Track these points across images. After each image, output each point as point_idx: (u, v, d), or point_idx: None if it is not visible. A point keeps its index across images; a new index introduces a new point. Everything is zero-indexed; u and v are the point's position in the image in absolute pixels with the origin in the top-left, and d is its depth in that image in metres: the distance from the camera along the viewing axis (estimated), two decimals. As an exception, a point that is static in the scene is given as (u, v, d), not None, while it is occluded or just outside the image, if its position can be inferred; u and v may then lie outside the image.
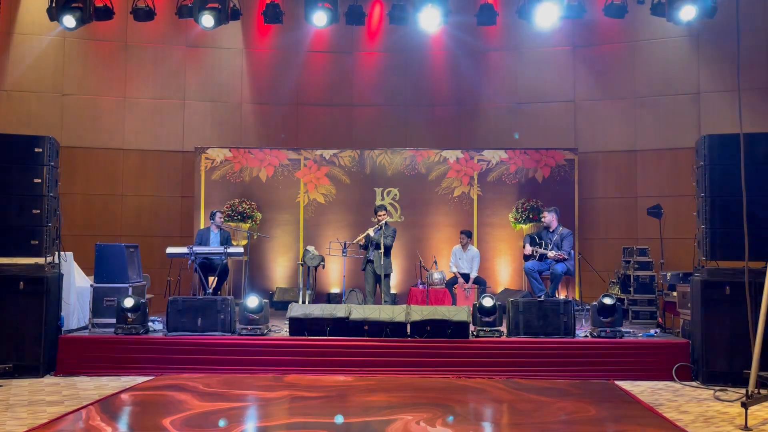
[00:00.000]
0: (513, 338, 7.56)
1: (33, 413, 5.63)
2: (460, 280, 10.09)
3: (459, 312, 7.55)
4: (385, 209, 9.51)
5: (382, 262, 9.00)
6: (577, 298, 10.46)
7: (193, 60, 12.29)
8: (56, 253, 7.52)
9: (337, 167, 11.83)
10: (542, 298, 8.07)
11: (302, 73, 12.51)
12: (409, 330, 7.55)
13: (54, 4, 9.16)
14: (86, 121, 11.86)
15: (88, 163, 11.81)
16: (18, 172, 7.28)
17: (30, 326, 7.15)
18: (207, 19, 9.45)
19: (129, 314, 7.63)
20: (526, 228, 11.25)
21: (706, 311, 6.95)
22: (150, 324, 7.90)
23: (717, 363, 6.88)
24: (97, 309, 8.12)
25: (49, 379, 7.09)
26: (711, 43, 11.05)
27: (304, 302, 9.39)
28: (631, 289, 9.25)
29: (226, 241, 9.54)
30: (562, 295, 9.12)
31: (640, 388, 6.75)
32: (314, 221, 11.78)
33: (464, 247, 10.33)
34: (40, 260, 7.28)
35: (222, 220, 9.78)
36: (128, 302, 7.64)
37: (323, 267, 10.04)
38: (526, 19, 9.97)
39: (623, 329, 7.62)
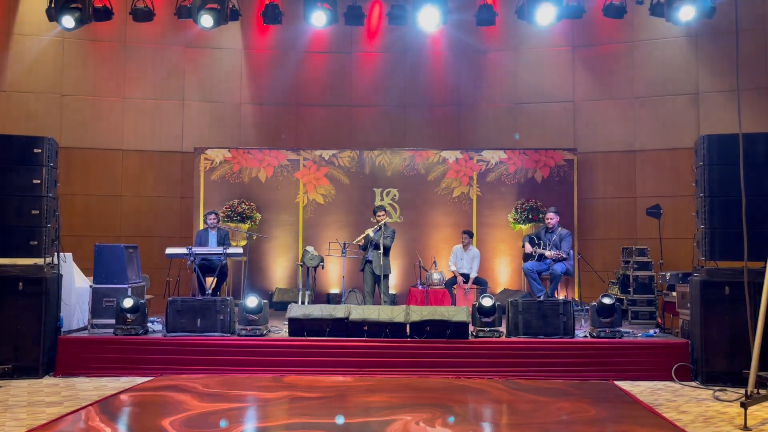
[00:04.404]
0: (512, 338, 7.56)
1: (32, 414, 5.63)
2: (460, 279, 10.09)
3: (458, 312, 7.55)
4: (384, 210, 9.51)
5: (381, 263, 9.00)
6: (577, 299, 10.46)
7: (192, 60, 12.29)
8: (55, 253, 7.51)
9: (337, 167, 11.83)
10: (541, 298, 8.07)
11: (301, 74, 12.52)
12: (408, 330, 7.55)
13: (53, 5, 9.16)
14: (85, 121, 11.86)
15: (87, 164, 11.81)
16: (17, 172, 7.27)
17: (29, 327, 7.15)
18: (206, 20, 9.45)
19: (128, 315, 7.63)
20: (525, 228, 11.25)
21: (705, 311, 6.95)
22: (149, 324, 7.89)
23: (716, 363, 6.87)
24: (96, 310, 8.12)
25: (48, 380, 7.08)
26: (710, 44, 11.06)
27: (303, 303, 9.38)
28: (631, 289, 9.25)
29: (224, 240, 9.51)
30: (561, 295, 9.12)
31: (640, 389, 6.75)
32: (313, 222, 11.77)
33: (465, 247, 10.33)
34: (40, 261, 7.27)
35: (215, 221, 9.67)
36: (127, 303, 7.64)
37: (323, 267, 10.04)
38: (526, 19, 9.98)
39: (622, 329, 7.62)
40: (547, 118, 12.15)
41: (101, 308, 8.11)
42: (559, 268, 8.58)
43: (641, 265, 9.31)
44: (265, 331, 7.77)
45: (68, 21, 9.13)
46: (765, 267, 5.96)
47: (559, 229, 8.90)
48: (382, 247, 9.01)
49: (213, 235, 9.59)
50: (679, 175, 10.97)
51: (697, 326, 7.02)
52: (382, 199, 11.73)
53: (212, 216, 9.71)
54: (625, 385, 6.87)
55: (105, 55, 11.99)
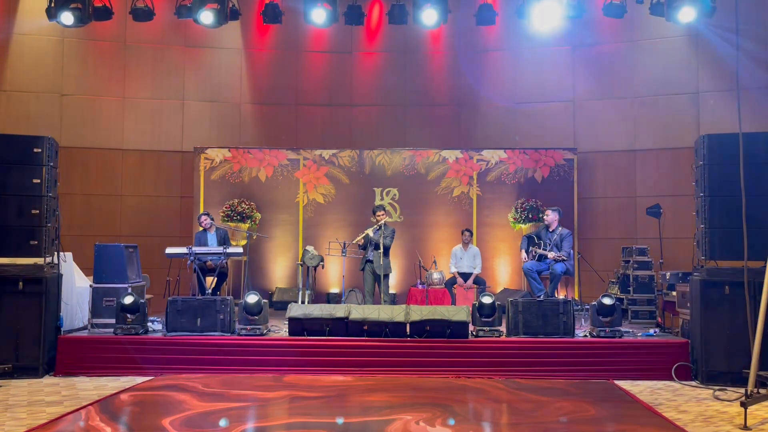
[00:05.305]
0: (512, 338, 7.56)
1: (32, 414, 5.63)
2: (460, 280, 10.10)
3: (458, 312, 7.54)
4: (384, 209, 9.51)
5: (381, 263, 9.00)
6: (577, 298, 10.46)
7: (192, 60, 12.30)
8: (55, 253, 7.51)
9: (337, 167, 11.83)
10: (541, 297, 8.07)
11: (301, 73, 12.53)
12: (408, 330, 7.54)
13: (53, 4, 9.16)
14: (85, 121, 11.87)
15: (87, 163, 11.82)
16: (17, 172, 7.27)
17: (29, 326, 7.15)
18: (206, 16, 9.46)
19: (128, 314, 7.62)
20: (525, 228, 11.25)
21: (705, 311, 6.95)
22: (149, 324, 7.89)
23: (716, 362, 6.87)
24: (96, 309, 8.12)
25: (48, 380, 7.08)
26: (710, 43, 11.06)
27: (303, 302, 9.38)
28: (631, 288, 9.25)
29: (224, 240, 9.47)
30: (561, 294, 9.11)
31: (640, 388, 6.75)
32: (313, 221, 11.78)
33: (465, 245, 10.34)
34: (40, 260, 7.27)
35: (208, 222, 9.50)
36: (128, 300, 7.64)
37: (323, 267, 10.04)
38: (526, 19, 9.98)
39: (622, 329, 7.62)
40: (547, 118, 12.14)
41: (101, 308, 8.11)
42: (559, 267, 8.57)
43: (641, 264, 9.31)
44: (265, 331, 7.77)
45: (67, 17, 9.13)
46: (765, 266, 5.96)
47: (560, 228, 8.88)
48: (382, 247, 9.01)
49: (212, 236, 9.54)
50: (679, 175, 10.96)
51: (697, 326, 7.02)
52: (382, 199, 11.73)
53: (204, 217, 9.52)
54: (625, 384, 6.88)
55: (105, 55, 11.99)
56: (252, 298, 7.73)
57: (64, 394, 6.42)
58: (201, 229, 9.60)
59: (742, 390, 5.71)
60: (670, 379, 7.07)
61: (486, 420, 5.84)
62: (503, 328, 7.72)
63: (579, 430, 5.37)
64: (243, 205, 11.47)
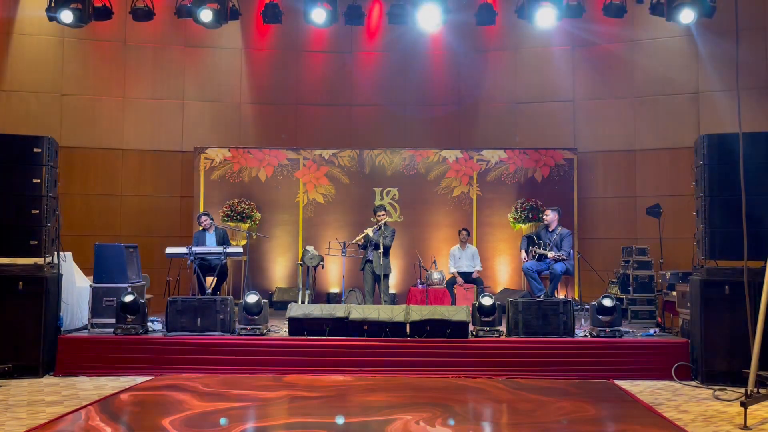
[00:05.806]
0: (512, 338, 7.56)
1: (32, 413, 5.63)
2: (460, 280, 10.10)
3: (458, 312, 7.55)
4: (384, 209, 9.51)
5: (381, 263, 9.00)
6: (577, 298, 10.46)
7: (192, 60, 12.29)
8: (55, 253, 7.51)
9: (337, 167, 11.83)
10: (541, 297, 8.07)
11: (301, 73, 12.53)
12: (408, 330, 7.55)
13: (53, 3, 9.17)
14: (85, 121, 11.87)
15: (87, 163, 11.81)
16: (17, 172, 7.27)
17: (29, 326, 7.15)
18: (205, 14, 9.47)
19: (128, 314, 7.63)
20: (525, 228, 11.25)
21: (705, 311, 6.95)
22: (149, 324, 7.89)
23: (716, 362, 6.87)
24: (96, 309, 8.11)
25: (48, 380, 7.08)
26: (710, 43, 11.05)
27: (303, 302, 9.39)
28: (631, 288, 9.25)
29: (223, 240, 9.45)
30: (561, 294, 9.11)
31: (640, 388, 6.75)
32: (313, 221, 11.78)
33: (463, 244, 10.34)
34: (40, 260, 7.27)
35: (208, 222, 9.48)
36: (128, 298, 7.64)
37: (323, 267, 10.05)
38: (526, 19, 9.98)
39: (622, 329, 7.62)
40: (547, 117, 12.14)
41: (101, 308, 8.11)
42: (559, 267, 8.56)
43: (641, 264, 9.32)
44: (265, 331, 7.78)
45: (67, 16, 9.13)
46: (765, 266, 5.96)
47: (560, 228, 8.88)
48: (381, 247, 9.01)
49: (210, 236, 9.52)
50: (679, 175, 10.96)
51: (697, 326, 7.02)
52: (382, 199, 11.73)
53: (204, 218, 9.50)
54: (625, 384, 6.88)
55: (105, 55, 11.99)
56: (252, 298, 7.74)
57: (64, 394, 6.42)
58: (200, 228, 9.59)
59: (742, 390, 5.71)
60: (670, 379, 7.07)
61: (486, 420, 5.84)
62: (503, 328, 7.72)
63: (579, 430, 5.37)
64: (243, 205, 11.47)
